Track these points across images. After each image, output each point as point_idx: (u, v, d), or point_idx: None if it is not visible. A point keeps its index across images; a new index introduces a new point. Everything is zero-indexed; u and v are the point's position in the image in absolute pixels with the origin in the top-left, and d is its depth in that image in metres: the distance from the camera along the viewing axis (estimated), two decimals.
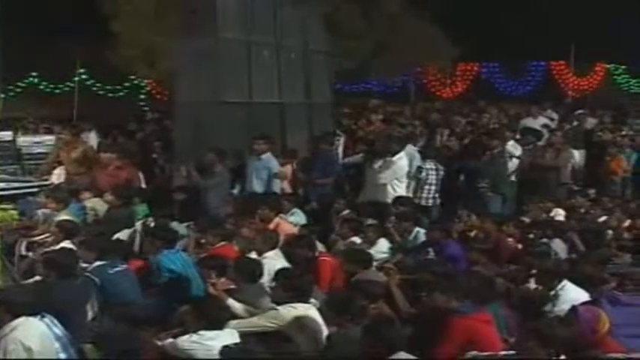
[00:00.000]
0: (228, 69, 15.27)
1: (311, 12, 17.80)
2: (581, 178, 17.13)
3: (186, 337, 7.16)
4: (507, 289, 9.09)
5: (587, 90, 36.17)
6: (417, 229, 12.02)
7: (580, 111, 23.15)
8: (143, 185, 14.94)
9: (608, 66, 36.87)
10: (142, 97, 35.74)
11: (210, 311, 7.31)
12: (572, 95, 32.76)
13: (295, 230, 11.87)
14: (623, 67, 36.91)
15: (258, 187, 14.00)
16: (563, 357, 6.56)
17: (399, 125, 19.38)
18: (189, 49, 15.26)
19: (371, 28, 26.92)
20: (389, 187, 13.73)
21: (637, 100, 32.38)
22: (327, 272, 9.91)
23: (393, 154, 13.91)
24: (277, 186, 14.19)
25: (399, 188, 13.87)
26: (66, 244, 10.10)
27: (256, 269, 9.06)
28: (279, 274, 8.56)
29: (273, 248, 10.11)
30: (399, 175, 13.92)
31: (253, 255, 9.99)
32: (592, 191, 15.54)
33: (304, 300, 8.07)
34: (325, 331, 7.75)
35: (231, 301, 8.37)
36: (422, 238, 11.75)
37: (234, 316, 8.09)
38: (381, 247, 11.31)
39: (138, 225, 11.98)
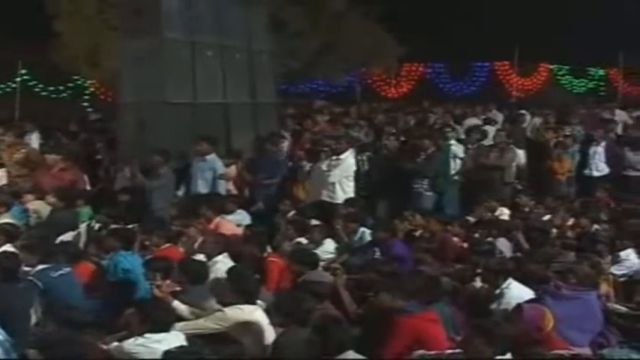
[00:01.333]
0: (172, 69, 15.19)
1: (255, 12, 17.74)
2: (525, 178, 17.27)
3: (131, 340, 7.07)
4: (453, 288, 9.13)
5: (530, 90, 36.51)
6: (362, 229, 12.06)
7: (522, 111, 23.34)
8: (87, 187, 14.80)
9: (551, 66, 37.24)
10: (86, 97, 35.33)
11: (155, 314, 7.22)
12: (516, 95, 33.06)
13: (237, 230, 11.85)
14: (566, 67, 37.30)
15: (203, 188, 13.96)
16: (508, 355, 6.61)
17: (345, 126, 19.39)
18: (132, 50, 15.14)
19: (315, 27, 26.83)
20: (338, 187, 13.76)
21: (581, 101, 32.71)
22: (275, 273, 9.93)
23: (340, 153, 13.95)
24: (222, 187, 14.15)
25: (349, 187, 13.92)
26: (7, 247, 9.95)
27: (201, 270, 9.02)
28: (227, 274, 8.53)
29: (222, 252, 10.03)
30: (348, 173, 13.97)
31: (200, 257, 9.93)
32: (536, 190, 15.68)
33: (251, 301, 8.04)
34: (272, 333, 7.72)
35: (176, 303, 8.31)
36: (367, 238, 11.78)
37: (181, 318, 8.04)
38: (327, 248, 11.35)
39: (82, 227, 11.87)
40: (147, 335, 6.99)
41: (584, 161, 17.25)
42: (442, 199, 15.57)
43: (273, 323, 7.72)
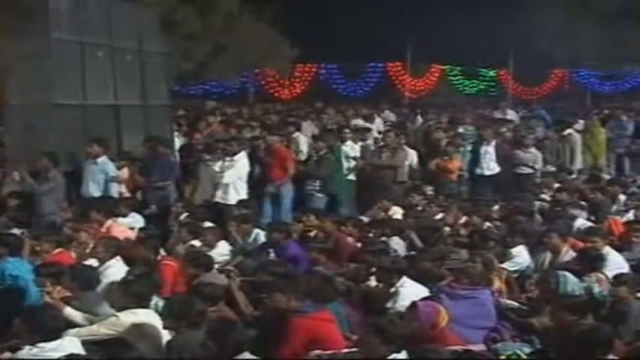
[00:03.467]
0: (60, 70, 14.85)
1: (146, 13, 17.53)
2: (417, 177, 17.46)
3: (25, 350, 6.87)
4: (348, 287, 9.16)
5: (423, 90, 36.95)
6: (257, 230, 12.07)
7: (419, 111, 23.67)
8: None
9: (443, 67, 37.73)
10: None
11: (44, 321, 7.03)
12: (408, 96, 33.46)
13: (129, 233, 11.72)
14: (458, 68, 37.85)
15: (94, 191, 13.74)
16: (404, 352, 6.65)
17: (236, 127, 19.29)
18: (20, 50, 14.77)
19: (208, 28, 26.70)
20: (231, 188, 13.73)
21: (473, 101, 33.30)
22: (170, 276, 9.81)
23: (234, 155, 13.91)
24: (115, 190, 13.95)
25: (242, 189, 13.90)
26: None
27: (92, 276, 8.85)
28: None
29: (115, 256, 9.87)
30: (242, 174, 13.94)
31: (93, 262, 9.76)
32: (429, 189, 15.85)
33: (145, 305, 7.93)
34: (166, 337, 7.62)
35: (68, 310, 8.13)
36: (261, 239, 11.80)
37: (75, 325, 7.88)
38: (222, 250, 11.34)
39: None
40: (41, 344, 6.80)
41: (475, 160, 17.50)
42: (336, 200, 15.65)
43: (165, 327, 7.60)
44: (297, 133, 17.66)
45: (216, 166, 13.96)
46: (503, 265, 10.57)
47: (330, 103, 28.79)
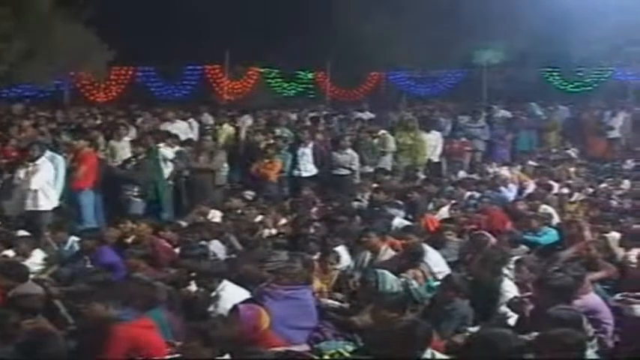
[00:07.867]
0: None
1: None
2: (237, 180, 17.48)
3: None
4: (169, 293, 9.08)
5: (241, 93, 36.91)
6: (73, 237, 11.80)
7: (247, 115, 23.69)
8: None
9: (261, 70, 37.79)
10: None
11: None
12: (227, 98, 33.42)
13: None
14: (275, 71, 37.98)
15: None
16: (227, 355, 6.66)
17: (51, 131, 18.78)
18: None
19: (21, 29, 25.92)
20: (41, 194, 13.38)
21: (291, 104, 33.50)
22: None
23: (36, 159, 13.54)
24: None
25: (52, 195, 13.56)
26: None
27: None
28: None
29: None
30: (48, 178, 13.59)
31: None
32: (248, 192, 15.89)
33: None
34: None
35: None
36: (78, 247, 11.53)
37: None
38: (36, 259, 11.02)
39: None
40: None
41: (293, 162, 17.64)
42: (157, 204, 15.44)
43: None
44: (126, 138, 17.23)
45: (21, 173, 13.54)
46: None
47: (147, 106, 28.44)
